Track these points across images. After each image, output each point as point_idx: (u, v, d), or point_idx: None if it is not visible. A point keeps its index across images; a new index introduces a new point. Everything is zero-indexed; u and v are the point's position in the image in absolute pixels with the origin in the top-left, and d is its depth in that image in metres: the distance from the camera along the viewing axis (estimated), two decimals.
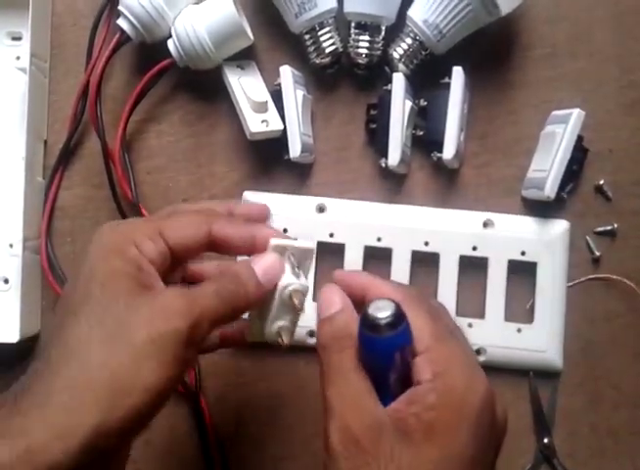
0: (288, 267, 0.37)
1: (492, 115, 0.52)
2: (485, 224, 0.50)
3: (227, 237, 0.37)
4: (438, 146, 0.49)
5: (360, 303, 0.35)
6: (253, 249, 0.37)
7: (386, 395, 0.32)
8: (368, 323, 0.32)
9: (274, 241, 0.36)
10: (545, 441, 0.50)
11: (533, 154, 0.51)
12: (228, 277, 0.35)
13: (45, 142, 0.55)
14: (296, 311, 0.37)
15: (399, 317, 0.31)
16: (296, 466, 0.51)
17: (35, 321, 0.53)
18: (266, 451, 0.51)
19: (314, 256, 0.39)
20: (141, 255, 0.34)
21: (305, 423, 0.51)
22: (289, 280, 0.36)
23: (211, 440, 0.50)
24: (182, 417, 0.52)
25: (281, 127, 0.50)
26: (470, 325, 0.50)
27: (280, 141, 0.50)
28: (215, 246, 0.37)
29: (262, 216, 0.42)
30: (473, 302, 0.51)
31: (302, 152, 0.50)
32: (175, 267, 0.37)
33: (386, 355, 0.32)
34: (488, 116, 0.52)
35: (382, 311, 0.31)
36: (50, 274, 0.52)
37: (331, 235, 0.51)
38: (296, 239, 0.40)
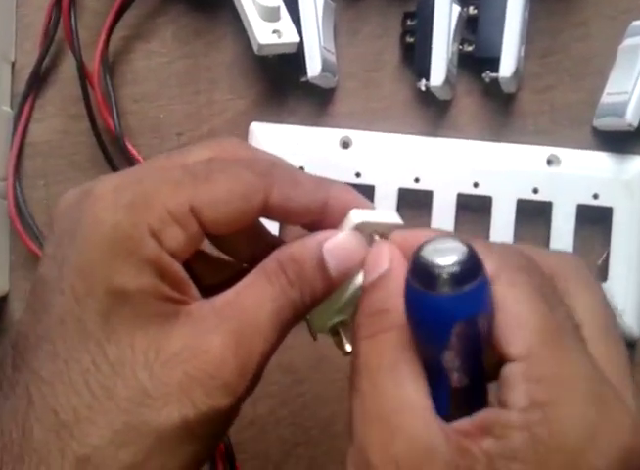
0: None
1: (557, 27, 0.44)
2: (549, 161, 0.43)
3: (292, 208, 0.25)
4: (492, 64, 0.41)
5: None
6: (323, 217, 0.26)
7: (440, 393, 0.22)
8: (418, 272, 0.21)
9: (357, 215, 0.26)
10: None
11: (608, 74, 0.43)
12: (292, 276, 0.25)
13: (12, 64, 0.47)
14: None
15: (472, 267, 0.21)
16: (313, 453, 0.44)
17: (3, 279, 0.46)
18: (278, 435, 0.44)
19: None
20: (162, 250, 0.23)
21: (324, 402, 0.44)
22: None
23: None
24: None
25: (296, 40, 0.41)
26: None
27: (295, 59, 0.42)
28: (271, 214, 0.26)
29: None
30: None
31: (323, 71, 0.41)
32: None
33: (442, 328, 0.21)
34: (552, 28, 0.44)
35: (443, 255, 0.21)
36: (19, 223, 0.45)
37: (357, 175, 0.43)
38: (375, 208, 0.28)
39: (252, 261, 0.26)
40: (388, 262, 0.24)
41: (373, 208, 0.27)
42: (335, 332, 0.27)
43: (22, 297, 0.46)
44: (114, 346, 0.22)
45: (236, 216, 0.24)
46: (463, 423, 0.21)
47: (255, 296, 0.24)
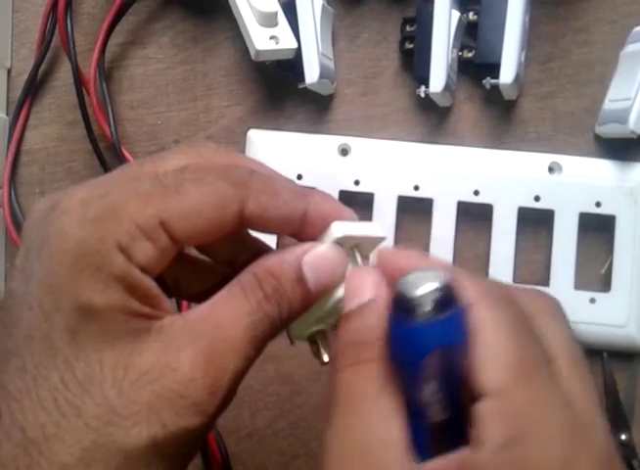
0: (349, 267, 0.26)
1: (558, 33, 0.44)
2: (551, 169, 0.42)
3: (270, 218, 0.24)
4: (492, 70, 0.41)
5: None
6: (303, 228, 0.25)
7: (419, 428, 0.21)
8: (397, 303, 0.21)
9: (338, 228, 0.25)
10: (622, 437, 0.42)
11: (610, 80, 0.43)
12: (269, 292, 0.24)
13: (8, 71, 0.47)
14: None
15: (448, 297, 0.21)
16: (311, 465, 0.43)
17: None
18: (276, 447, 0.44)
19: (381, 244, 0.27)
20: (131, 265, 0.22)
21: (321, 415, 0.43)
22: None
23: (210, 435, 0.42)
24: None
25: (294, 45, 0.41)
26: None
27: (293, 65, 0.42)
28: (249, 224, 0.25)
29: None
30: (535, 265, 0.43)
31: (321, 77, 0.41)
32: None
33: (417, 357, 0.21)
34: (553, 34, 0.44)
35: (420, 286, 0.21)
36: (14, 231, 0.45)
37: (356, 183, 0.42)
38: (357, 219, 0.27)
39: (238, 267, 0.25)
40: (372, 291, 0.23)
41: (355, 218, 0.26)
42: (313, 341, 0.27)
43: None
44: (83, 363, 0.21)
45: (209, 228, 0.23)
46: (438, 463, 0.20)
47: (230, 311, 0.23)
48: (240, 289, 0.24)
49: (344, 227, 0.25)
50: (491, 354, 0.21)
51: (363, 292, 0.23)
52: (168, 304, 0.23)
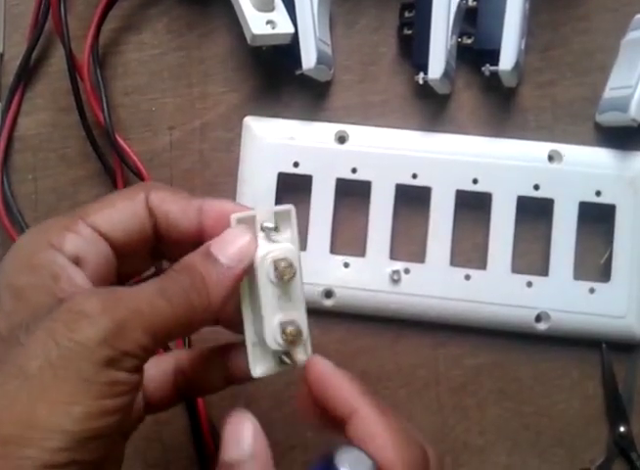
0: (262, 237, 0.28)
1: (559, 20, 0.43)
2: (551, 158, 0.41)
3: (170, 211, 0.29)
4: (492, 57, 0.40)
5: (335, 422, 0.27)
6: (203, 233, 0.29)
7: None
8: None
9: (237, 215, 0.28)
10: (621, 429, 0.41)
11: (611, 68, 0.42)
12: (179, 268, 0.26)
13: (1, 56, 0.46)
14: (297, 297, 0.28)
15: None
16: (307, 456, 0.43)
17: None
18: (272, 438, 0.42)
19: (294, 216, 0.29)
20: (59, 254, 0.26)
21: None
22: (266, 249, 0.27)
23: (204, 426, 0.42)
24: None
25: (291, 30, 0.40)
26: (529, 284, 0.40)
27: (290, 51, 0.41)
28: (160, 237, 0.29)
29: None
30: (533, 255, 0.42)
31: (318, 63, 0.40)
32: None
33: None
34: (554, 22, 0.43)
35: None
36: (6, 218, 0.44)
37: (353, 171, 0.42)
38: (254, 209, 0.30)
39: None
40: (252, 445, 0.26)
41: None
42: (281, 361, 0.29)
43: None
44: (14, 331, 0.24)
45: (126, 222, 0.28)
46: None
47: (141, 284, 0.25)
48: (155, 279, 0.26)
49: (243, 213, 0.28)
50: None
51: (242, 444, 0.26)
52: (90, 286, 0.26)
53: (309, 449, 0.42)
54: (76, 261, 0.27)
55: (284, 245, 0.28)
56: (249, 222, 0.27)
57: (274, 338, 0.27)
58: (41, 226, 0.28)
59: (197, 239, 0.28)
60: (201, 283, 0.25)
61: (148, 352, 0.24)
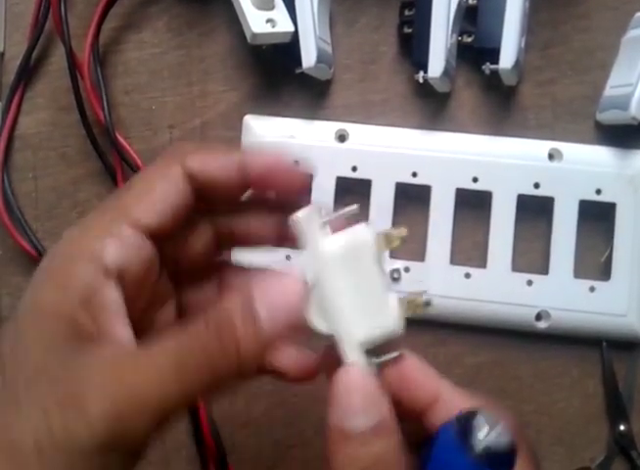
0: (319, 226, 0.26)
1: (559, 19, 0.43)
2: (551, 156, 0.41)
3: (212, 172, 0.26)
4: (492, 55, 0.40)
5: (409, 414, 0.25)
6: (246, 186, 0.27)
7: None
8: (474, 448, 0.21)
9: (300, 212, 0.26)
10: (621, 428, 0.41)
11: (611, 67, 0.42)
12: (211, 324, 0.22)
13: (2, 55, 0.46)
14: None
15: (515, 451, 0.22)
16: (307, 454, 0.43)
17: None
18: (272, 437, 0.43)
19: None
20: (97, 269, 0.23)
21: (318, 404, 0.42)
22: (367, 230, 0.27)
23: (204, 426, 0.41)
24: None
25: (291, 29, 0.40)
26: (529, 282, 0.40)
27: (290, 50, 0.41)
28: (201, 199, 0.26)
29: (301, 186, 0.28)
30: (533, 253, 0.42)
31: (319, 62, 0.40)
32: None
33: None
34: (554, 20, 0.43)
35: (497, 433, 0.21)
36: (7, 217, 0.44)
37: (354, 169, 0.41)
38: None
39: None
40: (386, 412, 0.23)
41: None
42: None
43: (10, 292, 0.44)
44: (20, 369, 0.22)
45: (164, 198, 0.25)
46: None
47: (159, 342, 0.22)
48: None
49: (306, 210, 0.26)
50: None
51: (375, 408, 0.23)
52: (121, 327, 0.23)
53: (308, 448, 0.42)
54: (116, 274, 0.23)
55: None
56: (311, 219, 0.26)
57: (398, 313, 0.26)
58: (84, 225, 0.25)
59: (240, 192, 0.27)
60: (234, 348, 0.22)
61: (150, 436, 0.22)
